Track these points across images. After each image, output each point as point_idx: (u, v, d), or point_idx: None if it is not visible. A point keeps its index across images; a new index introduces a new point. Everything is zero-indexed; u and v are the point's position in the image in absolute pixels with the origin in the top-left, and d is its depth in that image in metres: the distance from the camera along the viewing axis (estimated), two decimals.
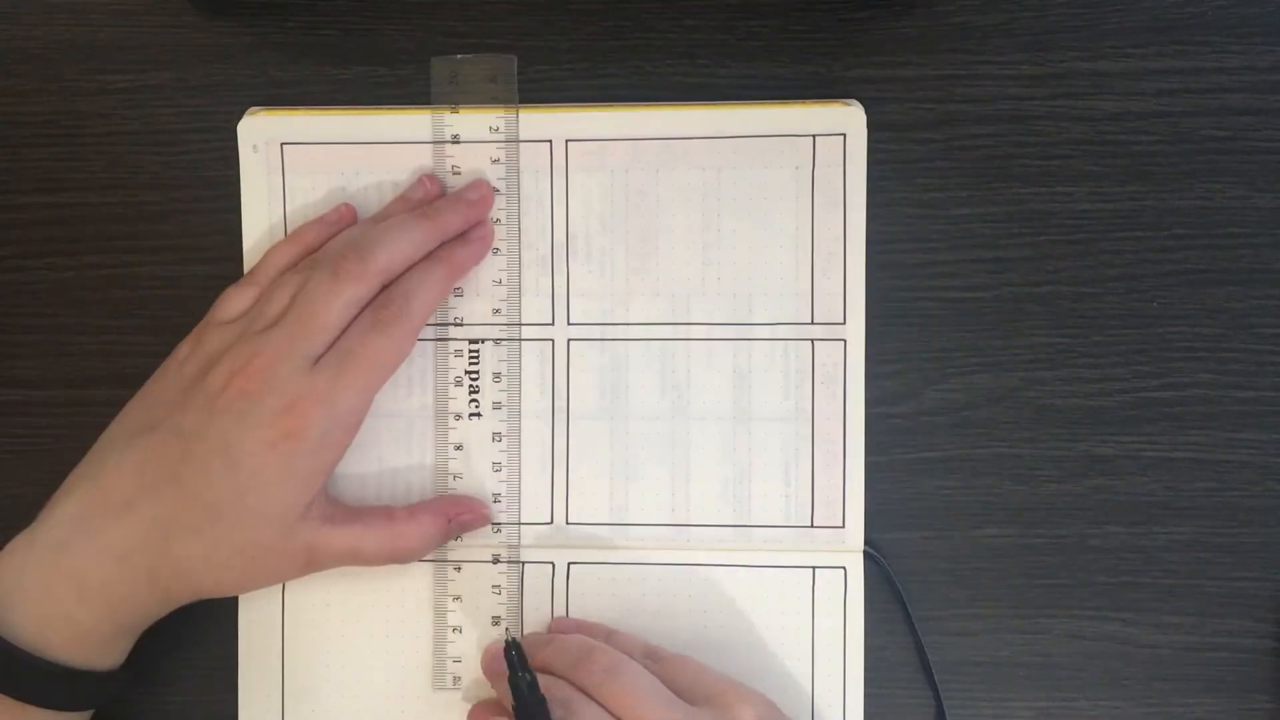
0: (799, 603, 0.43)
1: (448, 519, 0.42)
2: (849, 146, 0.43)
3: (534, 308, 0.44)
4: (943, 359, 0.44)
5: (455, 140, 0.44)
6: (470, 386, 0.44)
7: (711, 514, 0.43)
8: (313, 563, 0.40)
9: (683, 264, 0.44)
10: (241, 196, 0.44)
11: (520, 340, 0.44)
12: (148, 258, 0.45)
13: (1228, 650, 0.43)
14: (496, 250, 0.44)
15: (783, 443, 0.43)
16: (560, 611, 0.44)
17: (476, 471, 0.44)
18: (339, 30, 0.45)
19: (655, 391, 0.44)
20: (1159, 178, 0.43)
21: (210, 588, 0.40)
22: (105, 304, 0.45)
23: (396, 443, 0.44)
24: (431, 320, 0.44)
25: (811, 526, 0.43)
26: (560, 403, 0.44)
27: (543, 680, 0.38)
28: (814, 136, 0.43)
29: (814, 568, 0.43)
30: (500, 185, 0.44)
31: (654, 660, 0.41)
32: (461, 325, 0.44)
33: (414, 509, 0.42)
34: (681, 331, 0.44)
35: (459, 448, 0.44)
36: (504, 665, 0.37)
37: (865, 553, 0.43)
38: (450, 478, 0.44)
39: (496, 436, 0.44)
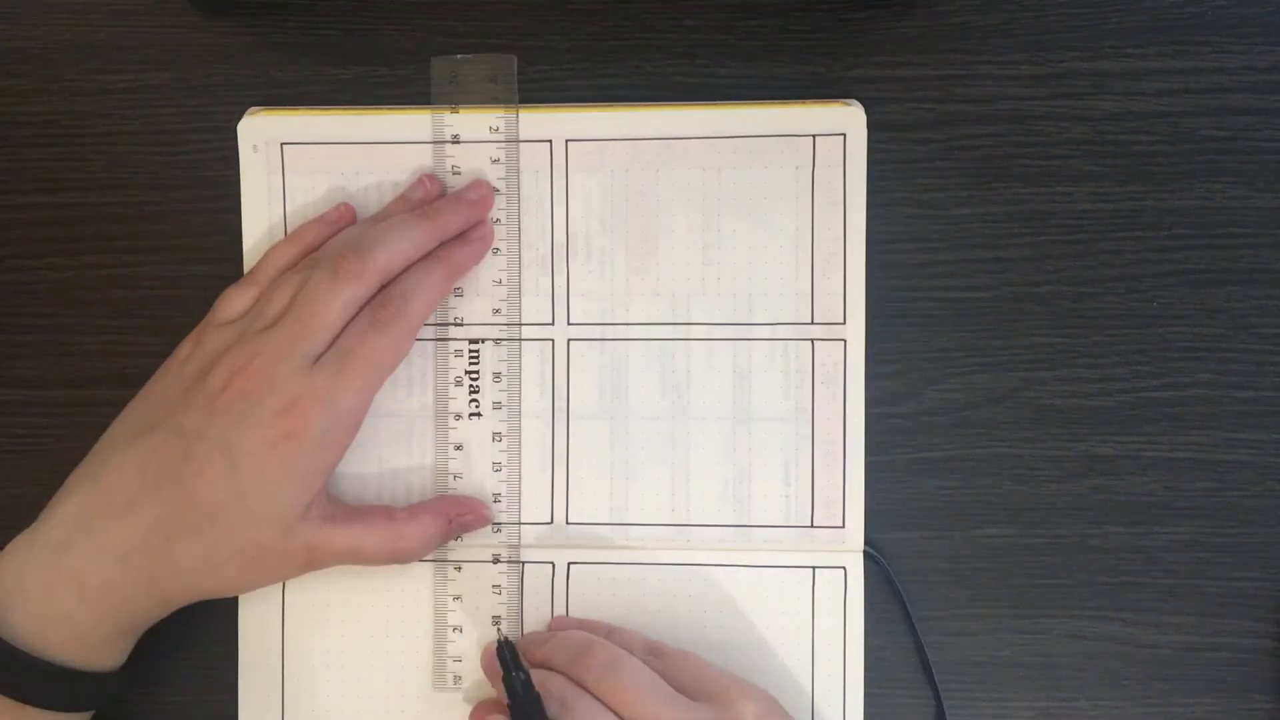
0: (799, 603, 0.43)
1: (448, 519, 0.42)
2: (849, 146, 0.43)
3: (534, 308, 0.44)
4: (943, 359, 0.44)
5: (455, 140, 0.44)
6: (470, 386, 0.44)
7: (711, 514, 0.43)
8: (313, 562, 0.40)
9: (683, 264, 0.44)
10: (241, 196, 0.44)
11: (520, 340, 0.44)
12: (148, 258, 0.45)
13: (1228, 650, 0.43)
14: (496, 250, 0.44)
15: (783, 443, 0.43)
16: (560, 611, 0.44)
17: (476, 471, 0.44)
18: (339, 30, 0.45)
19: (655, 391, 0.44)
20: (1159, 178, 0.43)
21: (210, 588, 0.40)
22: (105, 304, 0.45)
23: (396, 443, 0.44)
24: (431, 320, 0.44)
25: (811, 526, 0.43)
26: (560, 403, 0.44)
27: (539, 675, 0.38)
28: (814, 136, 0.43)
29: (814, 568, 0.43)
30: (500, 185, 0.44)
31: (655, 656, 0.41)
32: (461, 325, 0.44)
33: (414, 509, 0.42)
34: (681, 331, 0.44)
35: (459, 448, 0.44)
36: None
37: (865, 553, 0.43)
38: (450, 478, 0.44)
39: (496, 436, 0.44)
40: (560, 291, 0.44)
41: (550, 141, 0.44)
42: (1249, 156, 0.43)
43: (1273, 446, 0.43)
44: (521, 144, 0.44)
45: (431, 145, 0.44)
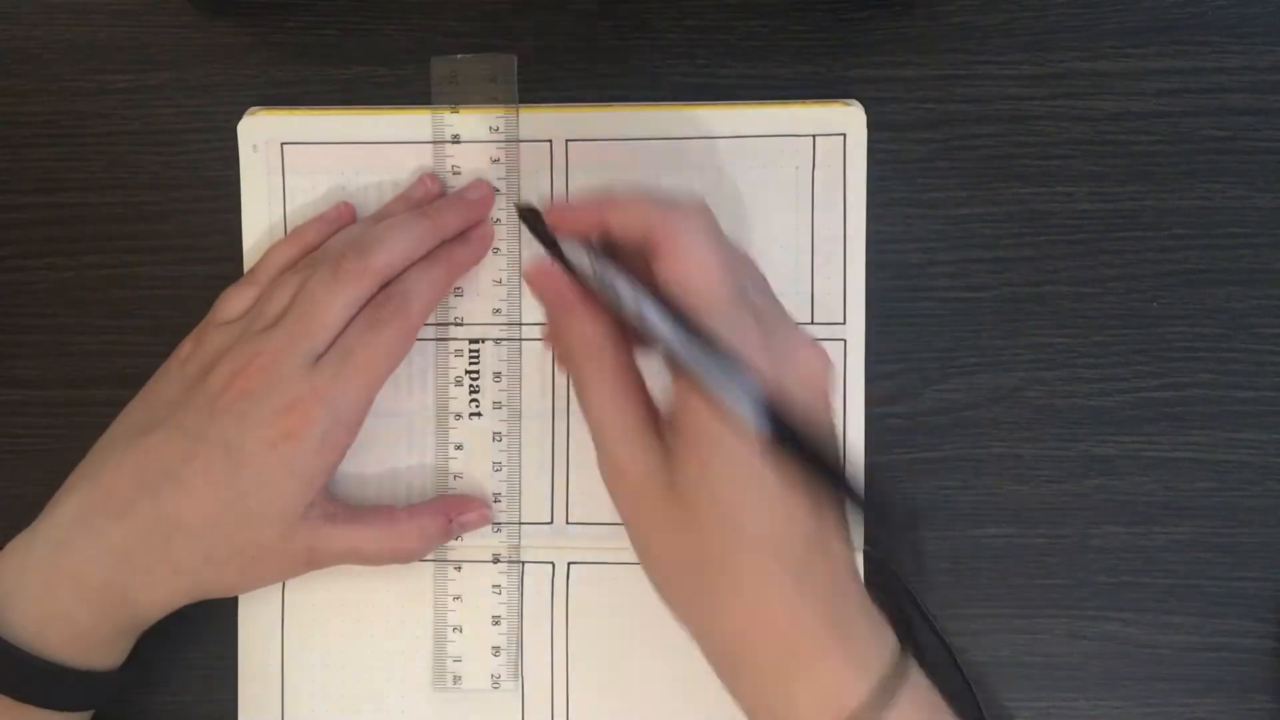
0: None
1: (448, 519, 0.42)
2: (849, 146, 0.43)
3: (534, 307, 0.44)
4: (943, 359, 0.44)
5: (455, 140, 0.44)
6: (470, 386, 0.44)
7: None
8: (313, 562, 0.40)
9: None
10: (241, 196, 0.44)
11: (520, 340, 0.44)
12: (148, 258, 0.45)
13: (1228, 650, 0.43)
14: (496, 250, 0.44)
15: None
16: (560, 612, 0.44)
17: (477, 471, 0.44)
18: (339, 30, 0.45)
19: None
20: (1159, 178, 0.43)
21: (211, 587, 0.40)
22: (105, 304, 0.45)
23: (397, 443, 0.44)
24: (432, 320, 0.44)
25: None
26: (560, 403, 0.44)
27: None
28: (814, 136, 0.43)
29: None
30: (500, 185, 0.44)
31: None
32: (462, 325, 0.44)
33: (414, 509, 0.42)
34: None
35: (459, 447, 0.44)
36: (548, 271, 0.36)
37: (865, 553, 0.43)
38: (450, 477, 0.44)
39: (497, 436, 0.44)
40: None
41: (550, 141, 0.44)
42: (1249, 156, 0.43)
43: (1273, 446, 0.43)
44: (521, 144, 0.44)
45: (431, 145, 0.44)
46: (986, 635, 0.43)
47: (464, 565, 0.44)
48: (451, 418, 0.44)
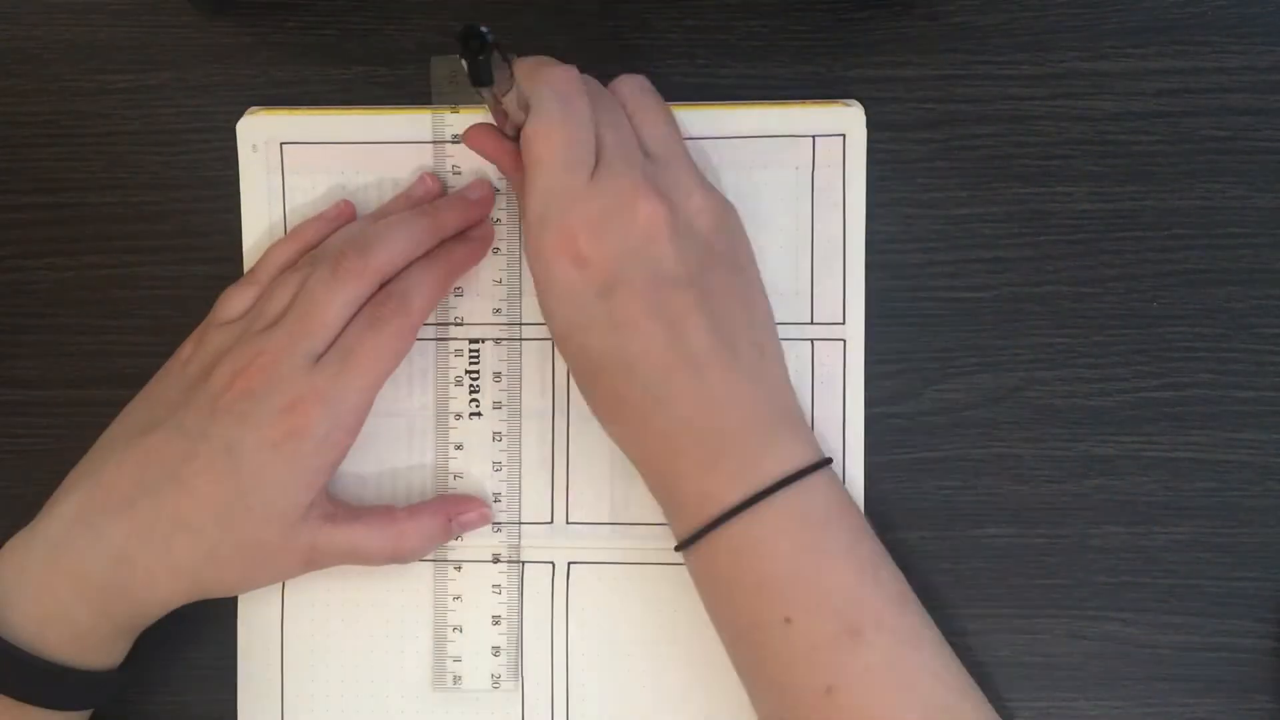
0: None
1: (448, 518, 0.42)
2: (849, 146, 0.43)
3: (534, 307, 0.44)
4: (943, 359, 0.44)
5: (455, 140, 0.44)
6: (470, 386, 0.44)
7: None
8: (313, 562, 0.40)
9: None
10: (241, 196, 0.44)
11: (520, 340, 0.44)
12: (148, 258, 0.45)
13: (1228, 650, 0.43)
14: (497, 250, 0.44)
15: None
16: (560, 612, 0.44)
17: (476, 471, 0.44)
18: (339, 30, 0.45)
19: None
20: (1159, 178, 0.43)
21: (211, 586, 0.40)
22: (105, 304, 0.45)
23: (397, 442, 0.44)
24: (432, 320, 0.44)
25: None
26: (560, 403, 0.44)
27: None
28: (814, 137, 0.43)
29: None
30: (501, 185, 0.44)
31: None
32: (462, 325, 0.44)
33: (415, 508, 0.42)
34: None
35: (459, 447, 0.44)
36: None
37: None
38: (451, 477, 0.44)
39: (497, 436, 0.44)
40: None
41: None
42: (1249, 156, 0.43)
43: (1273, 446, 0.43)
44: None
45: (431, 145, 0.44)
46: (986, 635, 0.43)
47: (464, 565, 0.44)
48: (451, 418, 0.44)
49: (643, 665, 0.43)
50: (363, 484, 0.44)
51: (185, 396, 0.40)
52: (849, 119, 0.43)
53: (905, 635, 0.37)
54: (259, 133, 0.44)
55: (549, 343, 0.44)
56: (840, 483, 0.39)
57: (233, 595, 0.44)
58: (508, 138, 0.40)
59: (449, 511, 0.43)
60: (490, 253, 0.44)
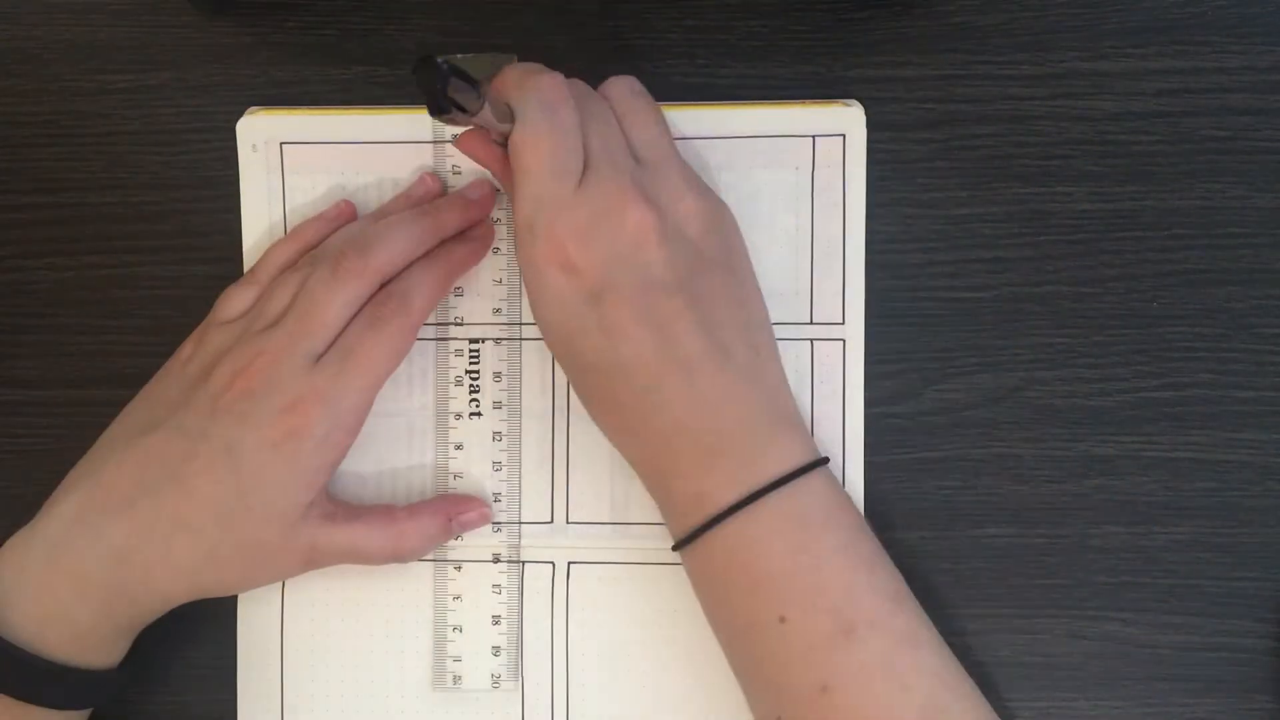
0: None
1: (448, 518, 0.42)
2: (849, 147, 0.43)
3: None
4: (943, 359, 0.44)
5: (455, 140, 0.44)
6: (470, 386, 0.44)
7: None
8: (313, 561, 0.40)
9: None
10: (241, 196, 0.44)
11: (520, 340, 0.44)
12: (148, 258, 0.45)
13: (1228, 650, 0.43)
14: (497, 250, 0.44)
15: None
16: (560, 612, 0.44)
17: (476, 471, 0.44)
18: (339, 30, 0.45)
19: None
20: (1159, 178, 0.43)
21: (210, 586, 0.40)
22: (105, 304, 0.45)
23: (397, 442, 0.44)
24: (432, 319, 0.44)
25: None
26: (560, 402, 0.44)
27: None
28: (814, 137, 0.43)
29: None
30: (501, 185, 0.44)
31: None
32: (462, 325, 0.44)
33: (414, 508, 0.42)
34: None
35: (459, 447, 0.44)
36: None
37: None
38: (451, 477, 0.44)
39: (497, 436, 0.44)
40: None
41: None
42: (1249, 156, 0.43)
43: (1273, 446, 0.43)
44: None
45: (431, 145, 0.44)
46: (986, 635, 0.43)
47: (464, 565, 0.44)
48: (451, 418, 0.44)
49: (643, 665, 0.43)
50: (363, 484, 0.44)
51: (185, 396, 0.40)
52: (849, 119, 0.43)
53: (901, 634, 0.37)
54: (259, 133, 0.44)
55: None
56: (837, 482, 0.39)
57: (232, 595, 0.44)
58: (498, 144, 0.40)
59: (449, 511, 0.43)
60: (490, 253, 0.44)
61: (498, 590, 0.44)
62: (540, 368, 0.44)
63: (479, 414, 0.44)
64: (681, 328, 0.37)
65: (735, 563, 0.37)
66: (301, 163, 0.44)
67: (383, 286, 0.40)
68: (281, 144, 0.44)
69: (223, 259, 0.45)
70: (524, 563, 0.44)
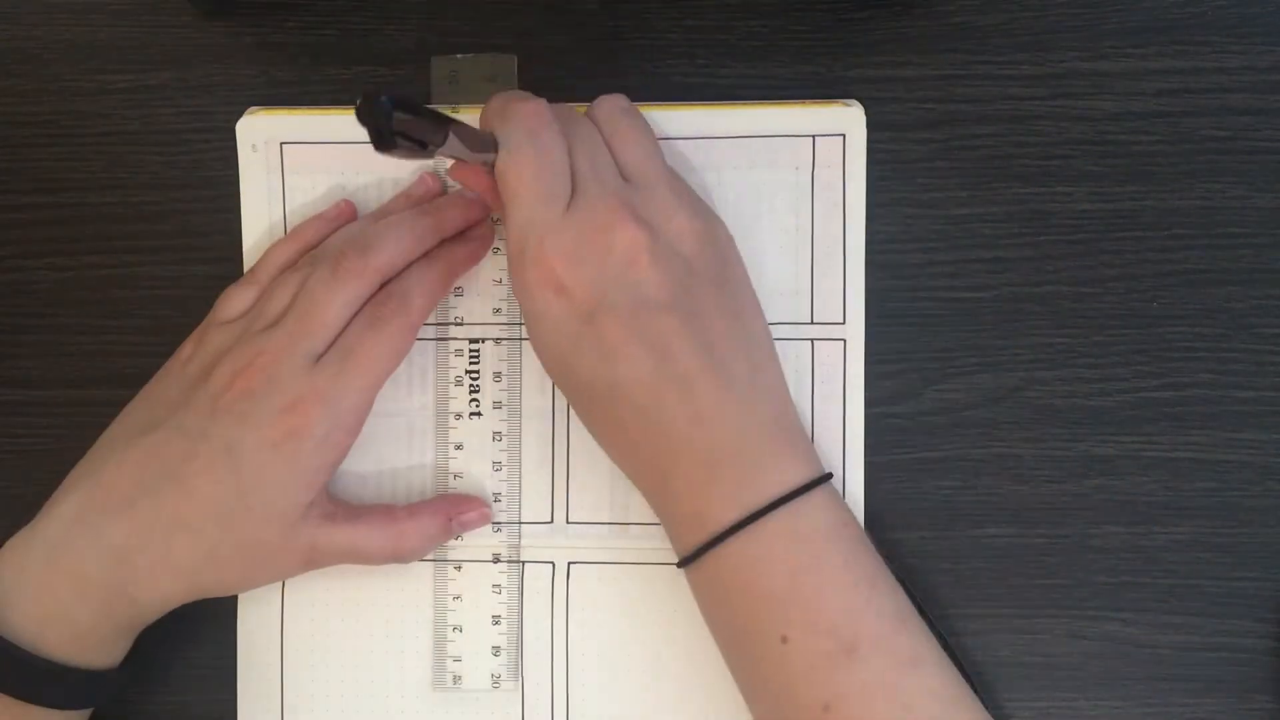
0: None
1: (448, 518, 0.42)
2: (849, 147, 0.43)
3: None
4: (943, 359, 0.44)
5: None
6: (471, 386, 0.44)
7: None
8: (313, 561, 0.40)
9: None
10: (241, 196, 0.44)
11: (520, 339, 0.44)
12: (148, 258, 0.45)
13: (1228, 650, 0.43)
14: (497, 249, 0.44)
15: None
16: (560, 612, 0.44)
17: (477, 471, 0.44)
18: (339, 30, 0.45)
19: None
20: (1159, 178, 0.43)
21: (210, 585, 0.40)
22: (105, 304, 0.45)
23: (397, 442, 0.44)
24: (432, 319, 0.44)
25: None
26: (560, 402, 0.44)
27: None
28: (814, 137, 0.43)
29: None
30: None
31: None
32: (462, 324, 0.44)
33: (414, 508, 0.42)
34: None
35: (459, 447, 0.44)
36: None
37: None
38: (451, 477, 0.44)
39: (497, 436, 0.44)
40: None
41: None
42: (1249, 156, 0.43)
43: (1273, 446, 0.43)
44: None
45: None
46: (986, 635, 0.43)
47: (464, 565, 0.44)
48: (451, 417, 0.44)
49: (643, 665, 0.43)
50: (363, 484, 0.44)
51: (185, 396, 0.40)
52: (849, 119, 0.43)
53: (903, 654, 0.36)
54: (259, 133, 0.44)
55: None
56: (839, 498, 0.39)
57: (232, 595, 0.44)
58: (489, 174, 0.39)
59: (449, 511, 0.43)
60: (490, 253, 0.44)
61: (498, 590, 0.44)
62: (540, 368, 0.44)
63: (479, 414, 0.44)
64: (677, 345, 0.37)
65: (737, 582, 0.37)
66: (301, 163, 0.44)
67: (383, 286, 0.40)
68: (281, 144, 0.44)
69: (223, 259, 0.45)
70: (524, 563, 0.44)
